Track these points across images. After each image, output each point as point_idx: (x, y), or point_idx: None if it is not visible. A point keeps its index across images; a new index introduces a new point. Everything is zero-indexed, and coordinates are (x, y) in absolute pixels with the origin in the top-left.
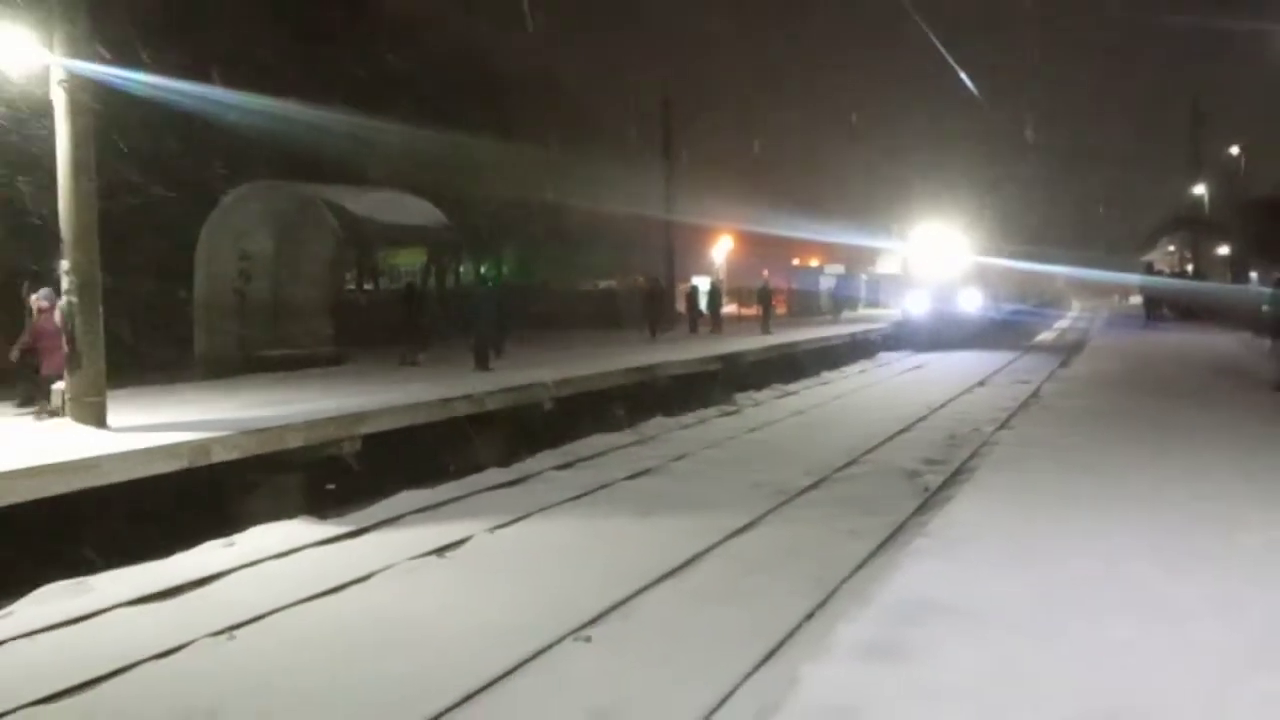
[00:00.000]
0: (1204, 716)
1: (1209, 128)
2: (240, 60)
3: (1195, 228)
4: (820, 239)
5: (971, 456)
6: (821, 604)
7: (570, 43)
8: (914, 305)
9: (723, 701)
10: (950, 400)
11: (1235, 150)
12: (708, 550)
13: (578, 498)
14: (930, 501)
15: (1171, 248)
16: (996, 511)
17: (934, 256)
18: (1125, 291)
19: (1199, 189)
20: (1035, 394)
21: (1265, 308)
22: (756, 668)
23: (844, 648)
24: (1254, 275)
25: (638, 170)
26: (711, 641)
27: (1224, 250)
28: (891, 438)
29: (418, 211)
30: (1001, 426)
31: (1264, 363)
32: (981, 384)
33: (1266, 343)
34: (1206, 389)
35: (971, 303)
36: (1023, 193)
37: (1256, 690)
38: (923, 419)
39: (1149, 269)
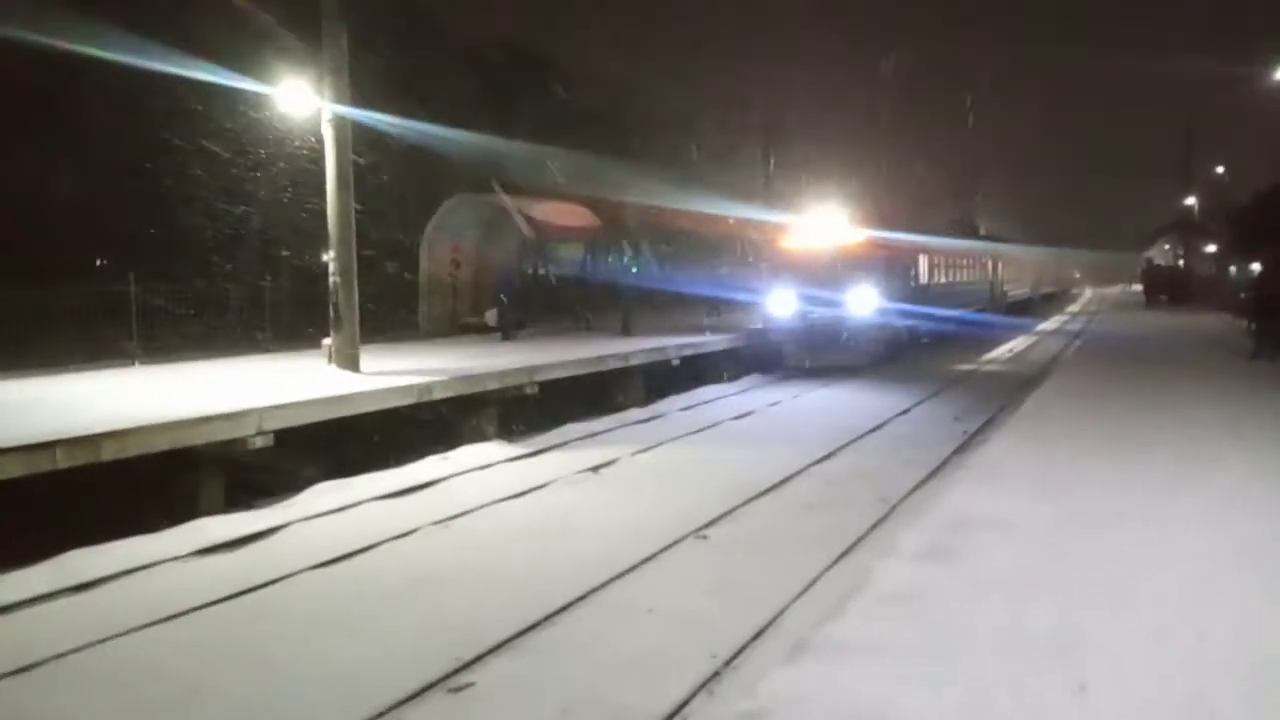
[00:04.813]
0: (1194, 601)
1: (1200, 145)
2: (451, 104)
3: (1187, 230)
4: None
5: None
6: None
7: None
8: (777, 307)
9: (809, 586)
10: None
11: (1220, 170)
12: (798, 472)
13: (698, 432)
14: None
15: (1167, 245)
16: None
17: (811, 235)
18: (1131, 278)
19: (1190, 200)
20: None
21: (1243, 294)
22: (835, 562)
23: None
24: (1233, 269)
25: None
26: (802, 541)
27: (1211, 248)
28: None
29: (579, 215)
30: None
31: (1241, 338)
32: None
33: (1244, 322)
34: (1196, 357)
35: (868, 305)
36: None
37: (1235, 583)
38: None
39: (1149, 262)
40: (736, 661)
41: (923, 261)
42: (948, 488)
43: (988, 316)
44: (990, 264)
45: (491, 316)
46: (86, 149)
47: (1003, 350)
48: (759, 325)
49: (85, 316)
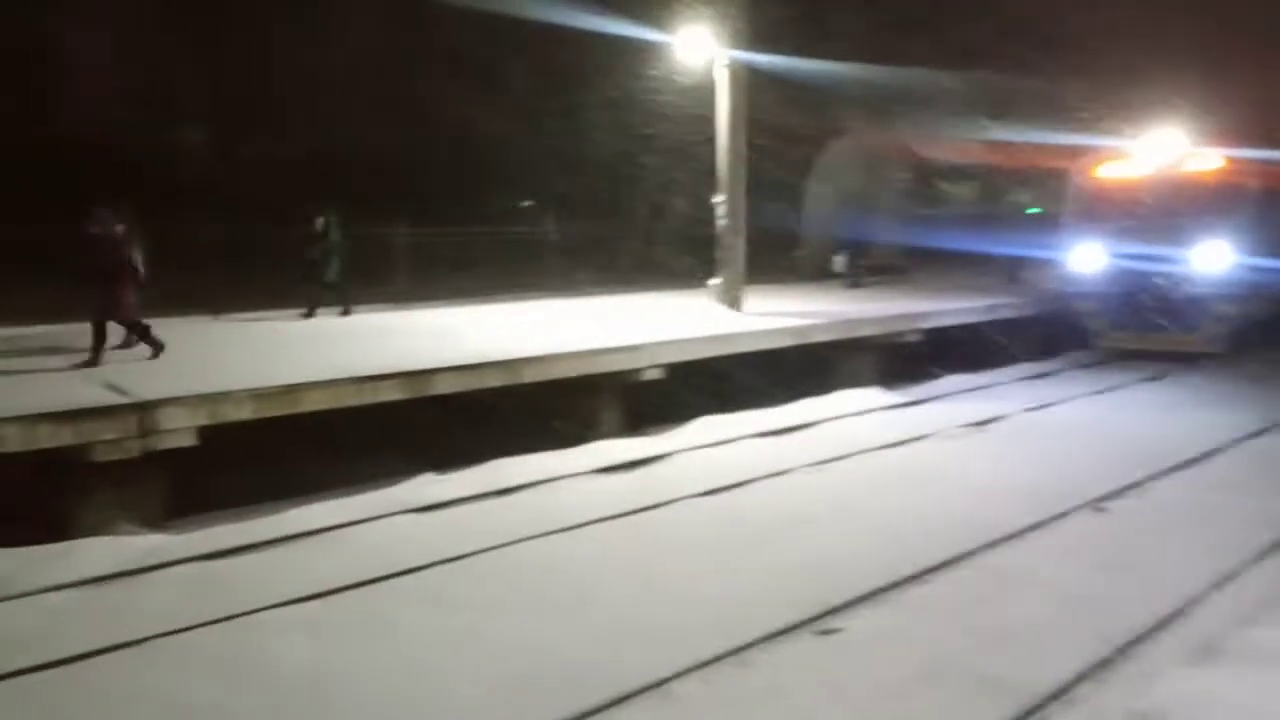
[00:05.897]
0: None
1: None
2: (833, 38)
3: None
4: None
5: None
6: None
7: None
8: (1081, 264)
9: (1228, 579)
10: None
11: None
12: (1221, 448)
13: (1099, 393)
14: None
15: None
16: None
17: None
18: None
19: None
20: None
21: None
22: (1265, 555)
23: None
24: None
25: None
26: (1219, 526)
27: None
28: None
29: (968, 152)
30: None
31: None
32: None
33: None
34: None
35: (1223, 262)
36: None
37: None
38: None
39: None
40: (1132, 651)
41: None
42: None
43: None
44: None
45: (840, 263)
46: (507, 97)
47: None
48: (1057, 288)
49: (506, 252)
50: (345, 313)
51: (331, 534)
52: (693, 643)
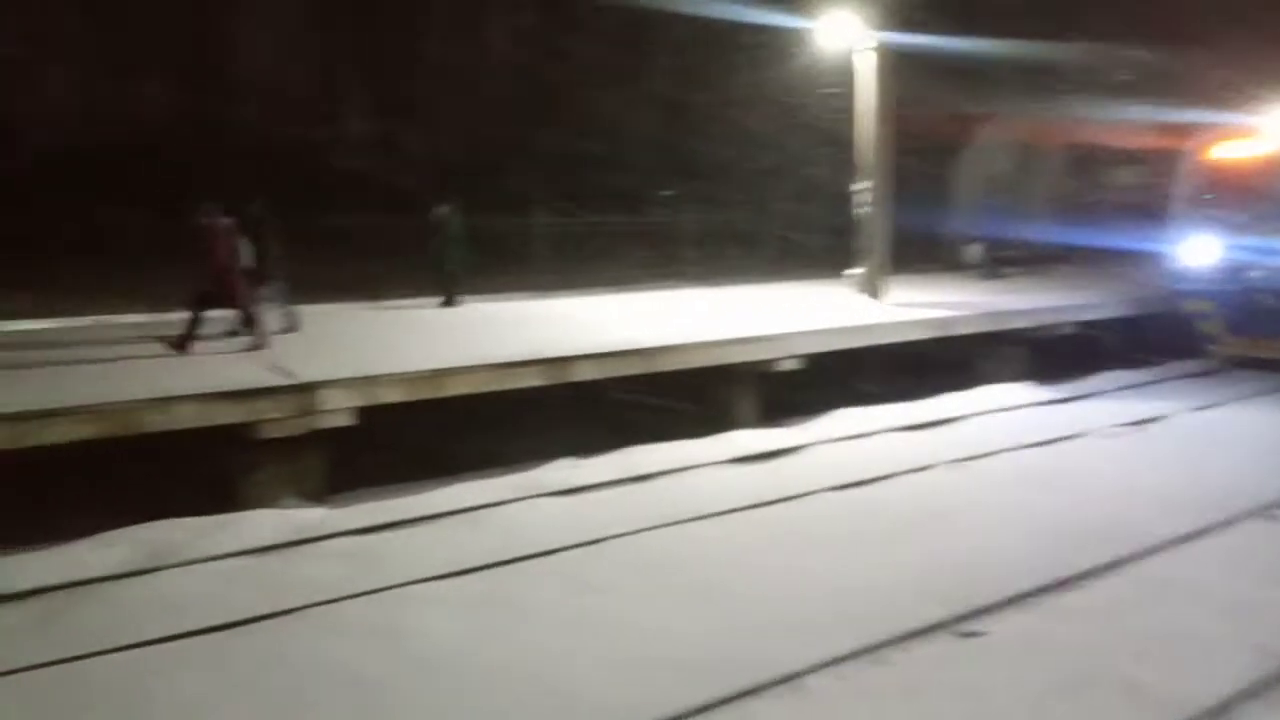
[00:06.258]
0: None
1: None
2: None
3: None
4: None
5: None
6: None
7: None
8: (1194, 258)
9: None
10: None
11: None
12: None
13: (1272, 393)
14: None
15: None
16: None
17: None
18: None
19: None
20: None
21: None
22: None
23: None
24: None
25: None
26: None
27: None
28: None
29: (1132, 135)
30: None
31: None
32: None
33: None
34: None
35: None
36: None
37: None
38: None
39: None
40: None
41: None
42: None
43: None
44: None
45: (974, 253)
46: (657, 88)
47: None
48: (1166, 285)
49: (646, 241)
50: (454, 301)
51: (475, 513)
52: (825, 637)
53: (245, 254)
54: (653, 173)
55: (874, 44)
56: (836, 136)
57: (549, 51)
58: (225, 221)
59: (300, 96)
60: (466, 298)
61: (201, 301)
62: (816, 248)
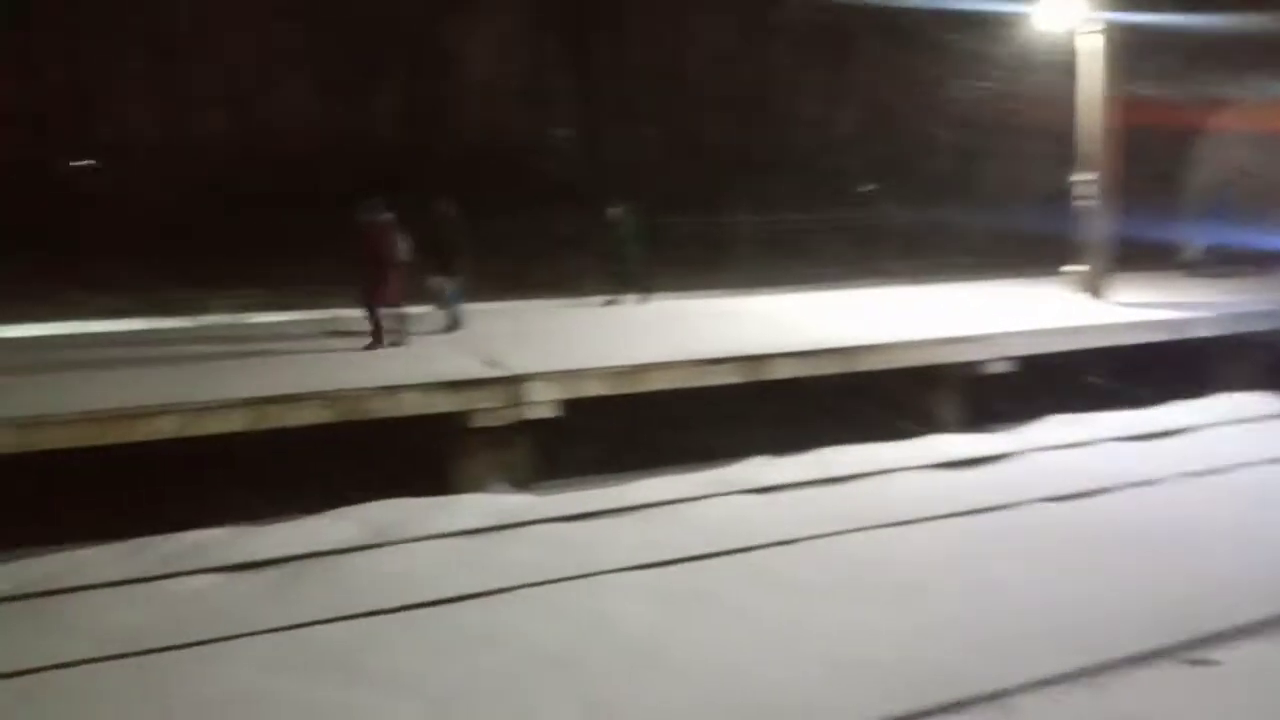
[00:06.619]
0: None
1: None
2: None
3: None
4: None
5: None
6: None
7: None
8: None
9: None
10: None
11: None
12: None
13: None
14: None
15: None
16: None
17: None
18: None
19: None
20: None
21: None
22: None
23: None
24: None
25: None
26: None
27: None
28: None
29: None
30: None
31: None
32: None
33: None
34: None
35: None
36: None
37: None
38: None
39: None
40: None
41: None
42: None
43: None
44: None
45: (1194, 251)
46: (859, 84)
47: None
48: None
49: (847, 238)
50: (641, 298)
51: (671, 507)
52: (1034, 655)
53: (404, 250)
54: (853, 169)
55: (1099, 24)
56: (1051, 126)
57: (753, 49)
58: (385, 218)
59: (513, 99)
60: (651, 295)
61: (369, 296)
62: (1030, 243)
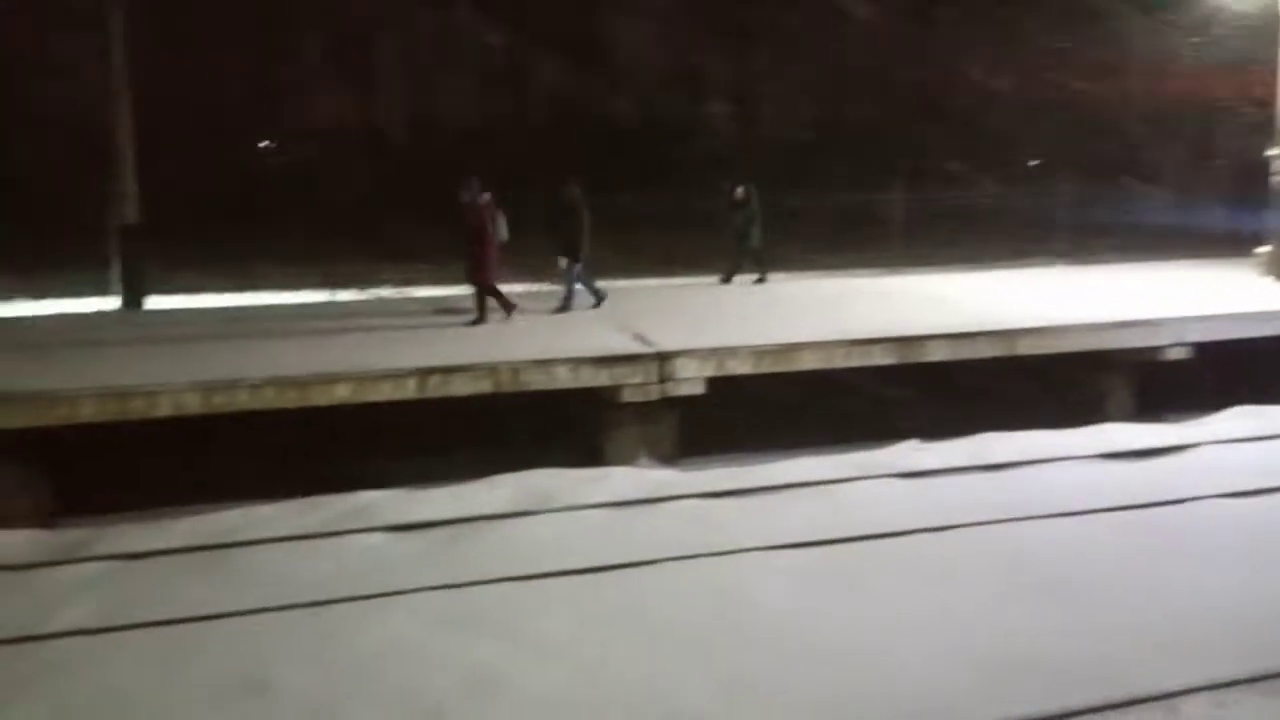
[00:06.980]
0: None
1: None
2: None
3: None
4: None
5: None
6: None
7: None
8: None
9: None
10: None
11: None
12: None
13: None
14: None
15: None
16: None
17: None
18: None
19: None
20: None
21: None
22: None
23: None
24: None
25: None
26: None
27: None
28: None
29: None
30: None
31: None
32: None
33: None
34: None
35: None
36: None
37: None
38: None
39: None
40: None
41: None
42: None
43: None
44: None
45: None
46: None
47: None
48: None
49: (1010, 216)
50: (762, 279)
51: (817, 488)
52: (1204, 659)
53: (502, 230)
54: (1021, 142)
55: None
56: (1248, 96)
57: (911, 25)
58: (485, 198)
59: (667, 81)
60: (768, 276)
61: (472, 275)
62: (1213, 222)
